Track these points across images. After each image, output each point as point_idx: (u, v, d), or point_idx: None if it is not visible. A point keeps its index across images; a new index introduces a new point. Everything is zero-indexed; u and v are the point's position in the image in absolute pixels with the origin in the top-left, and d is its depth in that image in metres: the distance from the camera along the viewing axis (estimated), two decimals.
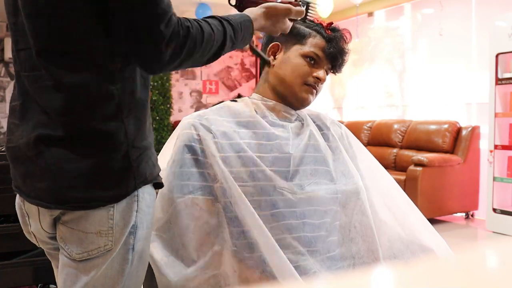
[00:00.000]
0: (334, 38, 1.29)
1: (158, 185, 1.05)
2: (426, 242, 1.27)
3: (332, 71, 1.33)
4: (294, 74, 1.28)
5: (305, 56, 1.28)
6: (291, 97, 1.30)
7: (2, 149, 1.91)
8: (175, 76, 7.70)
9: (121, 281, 0.97)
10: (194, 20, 0.98)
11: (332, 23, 1.32)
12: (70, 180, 0.93)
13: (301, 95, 1.28)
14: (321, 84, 1.31)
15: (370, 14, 6.17)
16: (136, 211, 0.97)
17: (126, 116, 0.95)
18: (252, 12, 1.10)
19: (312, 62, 1.28)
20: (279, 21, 1.14)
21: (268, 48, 1.33)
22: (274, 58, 1.32)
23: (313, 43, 1.28)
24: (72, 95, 0.93)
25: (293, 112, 1.32)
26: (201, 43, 0.95)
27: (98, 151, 0.93)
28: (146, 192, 0.99)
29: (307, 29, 1.29)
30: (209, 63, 1.04)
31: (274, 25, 1.14)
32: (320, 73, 1.28)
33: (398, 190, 1.37)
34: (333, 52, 1.28)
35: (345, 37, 1.31)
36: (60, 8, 0.91)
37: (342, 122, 1.75)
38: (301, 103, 1.31)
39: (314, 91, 1.30)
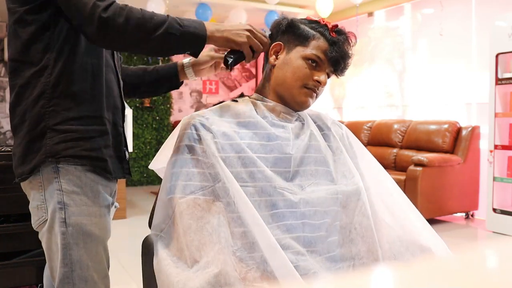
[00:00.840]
0: (338, 42, 1.25)
1: (97, 167, 1.21)
2: (425, 243, 1.27)
3: (334, 74, 1.31)
4: (294, 77, 1.26)
5: (306, 58, 1.25)
6: (290, 99, 1.28)
7: (2, 149, 1.91)
8: None
9: (63, 250, 1.17)
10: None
11: (337, 25, 1.28)
12: (16, 159, 1.21)
13: (300, 98, 1.27)
14: (322, 87, 1.29)
15: (370, 14, 6.17)
16: (60, 190, 1.17)
17: (46, 105, 1.16)
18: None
19: (314, 64, 1.26)
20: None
21: (270, 47, 1.31)
22: (276, 58, 1.30)
23: (316, 46, 1.25)
24: (16, 93, 1.18)
25: (293, 112, 1.31)
26: (139, 13, 1.12)
27: (24, 133, 1.17)
28: (70, 173, 1.18)
29: (311, 31, 1.27)
30: (159, 41, 1.14)
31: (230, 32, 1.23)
32: (321, 77, 1.26)
33: (398, 191, 1.37)
34: (335, 56, 1.25)
35: (349, 41, 1.28)
36: (11, 21, 1.17)
37: (342, 122, 1.75)
38: (300, 106, 1.29)
39: (314, 94, 1.28)
